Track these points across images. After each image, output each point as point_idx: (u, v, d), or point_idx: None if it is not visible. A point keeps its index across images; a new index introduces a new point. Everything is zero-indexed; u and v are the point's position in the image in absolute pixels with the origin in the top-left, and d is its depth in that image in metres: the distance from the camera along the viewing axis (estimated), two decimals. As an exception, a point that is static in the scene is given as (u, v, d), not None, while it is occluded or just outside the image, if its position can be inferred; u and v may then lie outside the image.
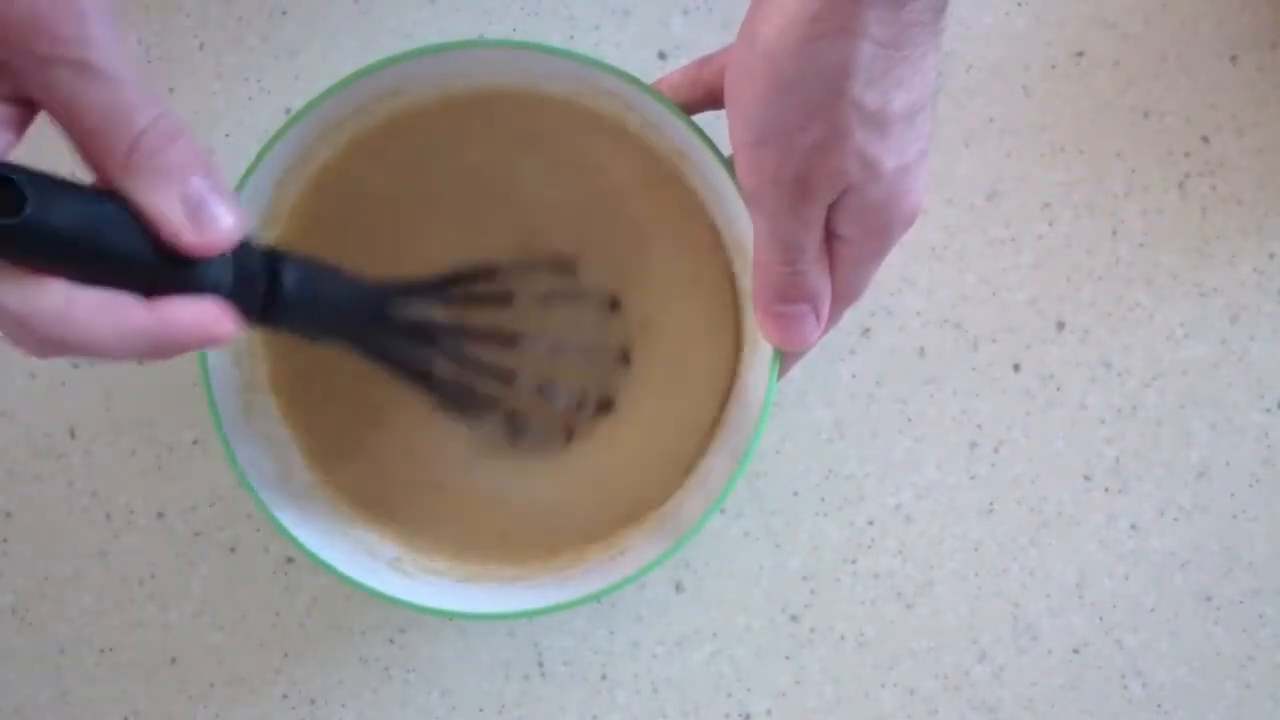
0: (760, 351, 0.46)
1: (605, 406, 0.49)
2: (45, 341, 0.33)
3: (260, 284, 0.38)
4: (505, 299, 0.47)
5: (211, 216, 0.35)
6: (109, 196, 0.34)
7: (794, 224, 0.40)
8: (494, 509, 0.49)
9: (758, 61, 0.37)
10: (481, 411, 0.47)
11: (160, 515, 0.52)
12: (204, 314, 0.35)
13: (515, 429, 0.48)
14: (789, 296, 0.42)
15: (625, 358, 0.49)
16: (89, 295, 0.33)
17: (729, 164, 0.44)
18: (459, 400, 0.47)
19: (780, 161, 0.38)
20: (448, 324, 0.46)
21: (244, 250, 0.37)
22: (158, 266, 0.35)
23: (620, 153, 0.47)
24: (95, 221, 0.33)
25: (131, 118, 0.34)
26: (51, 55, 0.33)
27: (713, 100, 0.44)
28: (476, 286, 0.47)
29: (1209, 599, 0.53)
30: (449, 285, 0.47)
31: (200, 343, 0.35)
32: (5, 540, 0.52)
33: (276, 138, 0.44)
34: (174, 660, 0.52)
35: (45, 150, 0.35)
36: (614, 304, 0.49)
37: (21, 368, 0.51)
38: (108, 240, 0.34)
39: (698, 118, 0.45)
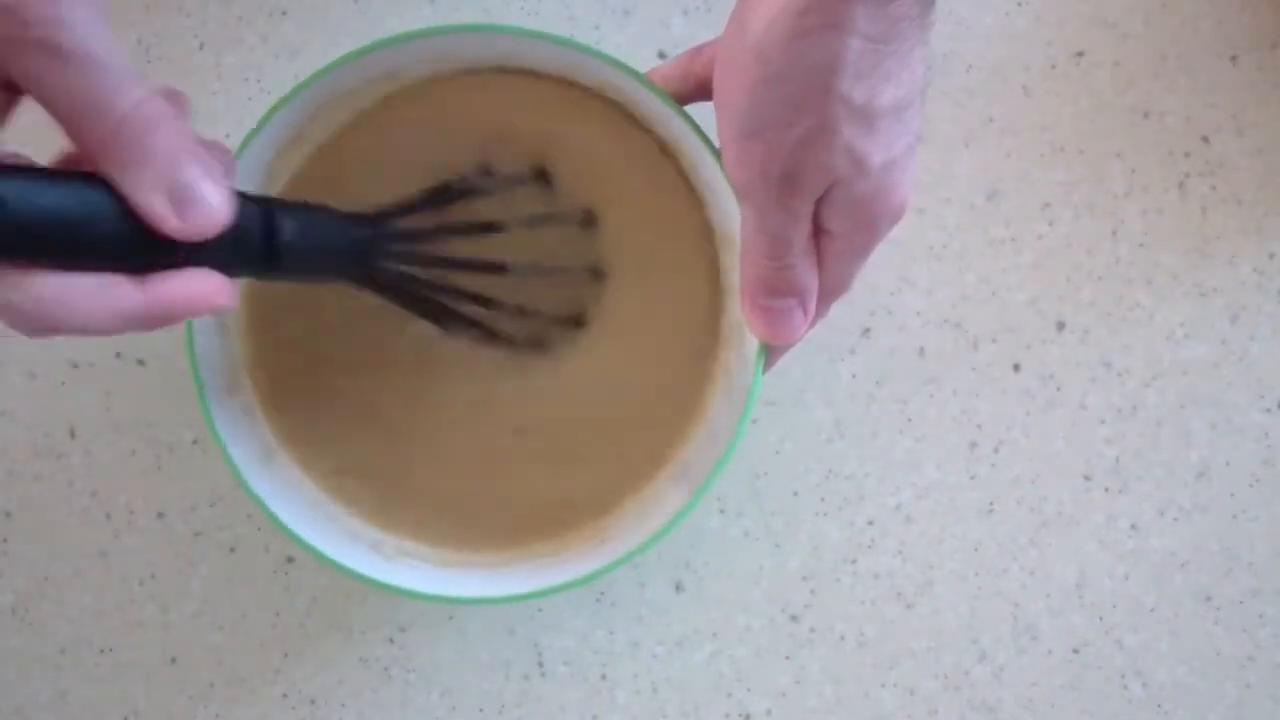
0: (746, 344, 0.46)
1: (578, 322, 0.48)
2: (39, 327, 0.33)
3: (256, 239, 0.38)
4: (490, 227, 0.47)
5: (197, 203, 0.34)
6: (92, 181, 0.33)
7: (782, 218, 0.40)
8: (474, 496, 0.49)
9: (746, 55, 0.37)
10: (465, 328, 0.47)
11: (160, 515, 0.52)
12: (198, 286, 0.35)
13: (493, 341, 0.48)
14: (777, 291, 0.42)
15: (598, 274, 0.48)
16: (82, 282, 0.33)
17: (720, 156, 0.44)
18: (450, 320, 0.47)
19: (768, 155, 0.38)
20: (433, 254, 0.46)
21: (239, 207, 0.36)
22: (147, 248, 0.34)
23: (612, 142, 0.47)
24: (76, 212, 0.33)
25: (109, 103, 0.33)
26: (22, 38, 0.32)
27: (704, 91, 0.44)
28: (455, 205, 0.47)
29: (1209, 599, 0.53)
30: (433, 205, 0.47)
31: (196, 314, 0.35)
32: (5, 540, 0.52)
33: (267, 119, 0.44)
34: (174, 660, 0.52)
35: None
36: (589, 220, 0.48)
37: (21, 368, 0.51)
38: (92, 230, 0.33)
39: (690, 109, 0.45)
